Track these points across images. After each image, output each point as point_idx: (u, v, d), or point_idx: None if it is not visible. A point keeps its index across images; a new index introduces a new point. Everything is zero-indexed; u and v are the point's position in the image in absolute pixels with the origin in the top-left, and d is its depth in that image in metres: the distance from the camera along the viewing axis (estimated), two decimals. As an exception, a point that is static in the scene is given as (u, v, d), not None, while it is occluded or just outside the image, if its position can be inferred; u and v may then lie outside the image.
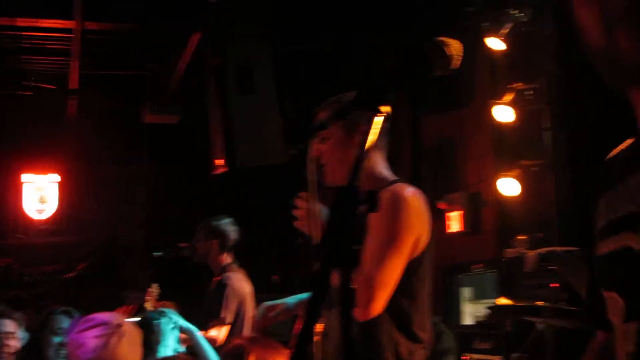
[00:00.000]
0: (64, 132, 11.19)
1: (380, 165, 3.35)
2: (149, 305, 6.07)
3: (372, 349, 3.05)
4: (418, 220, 3.07)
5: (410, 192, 3.09)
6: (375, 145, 3.22)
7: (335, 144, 3.22)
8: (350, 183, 1.42)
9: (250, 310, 6.16)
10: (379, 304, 2.91)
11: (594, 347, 1.92)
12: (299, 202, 3.13)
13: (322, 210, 3.04)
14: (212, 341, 6.01)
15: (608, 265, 1.59)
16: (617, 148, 1.76)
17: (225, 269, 6.34)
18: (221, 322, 6.03)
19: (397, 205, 3.01)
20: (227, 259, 6.43)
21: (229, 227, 6.45)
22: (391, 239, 2.98)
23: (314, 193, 1.81)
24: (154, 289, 6.21)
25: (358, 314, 2.89)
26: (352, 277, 1.35)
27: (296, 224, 3.15)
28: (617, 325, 1.58)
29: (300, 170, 3.18)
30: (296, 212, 3.15)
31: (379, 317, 3.01)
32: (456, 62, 1.75)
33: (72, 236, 11.88)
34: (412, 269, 3.06)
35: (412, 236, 3.03)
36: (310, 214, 3.03)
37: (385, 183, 3.20)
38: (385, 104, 1.60)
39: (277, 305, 3.86)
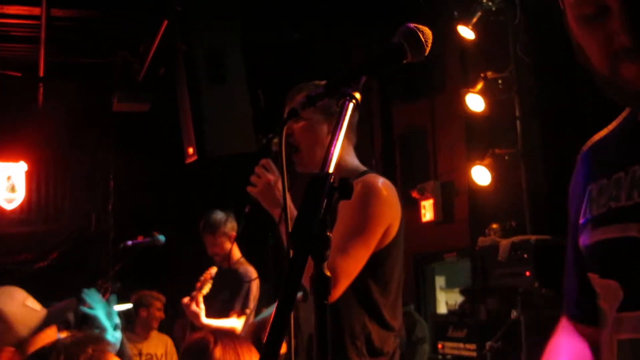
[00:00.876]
0: (31, 119, 11.07)
1: (350, 156, 3.37)
2: (206, 288, 5.99)
3: (345, 337, 3.03)
4: (389, 210, 3.09)
5: (381, 183, 3.11)
6: (346, 135, 3.29)
7: (310, 127, 3.26)
8: (324, 169, 1.39)
9: None
10: (339, 292, 2.88)
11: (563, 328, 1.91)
12: (259, 170, 3.10)
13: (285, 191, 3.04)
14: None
15: (609, 253, 1.58)
16: (597, 135, 1.77)
17: (239, 261, 6.31)
18: (242, 314, 6.08)
19: (369, 195, 3.02)
20: (236, 250, 6.40)
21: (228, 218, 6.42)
22: (360, 229, 2.97)
23: (284, 172, 1.78)
24: (213, 270, 6.11)
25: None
26: (326, 265, 1.33)
27: (250, 189, 3.12)
28: (609, 312, 1.57)
29: (272, 159, 3.18)
30: (254, 179, 3.12)
31: (351, 305, 3.00)
32: (429, 49, 1.72)
33: (43, 225, 11.80)
34: (382, 257, 3.05)
35: (382, 227, 3.04)
36: (268, 185, 3.06)
37: (356, 173, 3.21)
38: (357, 91, 1.56)
39: (267, 321, 3.81)
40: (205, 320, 5.93)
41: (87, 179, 12.02)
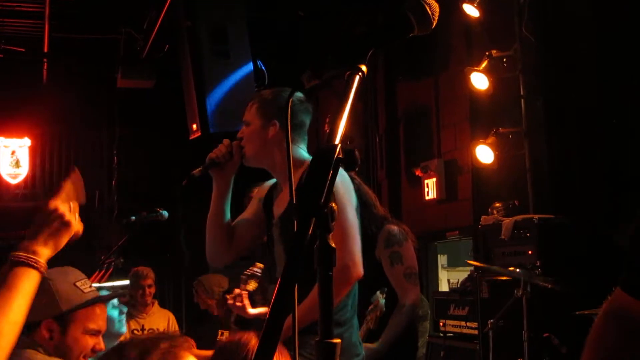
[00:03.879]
0: (36, 95, 11.07)
1: (299, 147, 3.63)
2: (252, 285, 5.85)
3: None
4: (348, 182, 3.39)
5: None
6: (296, 125, 3.61)
7: (254, 131, 3.63)
8: (329, 141, 1.39)
9: None
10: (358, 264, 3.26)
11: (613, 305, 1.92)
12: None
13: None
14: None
15: None
16: None
17: None
18: None
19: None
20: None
21: None
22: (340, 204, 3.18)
23: (290, 154, 1.78)
24: (258, 267, 5.99)
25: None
26: (331, 237, 1.33)
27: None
28: None
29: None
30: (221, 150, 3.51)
31: None
32: (435, 22, 1.71)
33: (46, 201, 11.82)
34: None
35: (353, 193, 3.40)
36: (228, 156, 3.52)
37: (308, 161, 3.40)
38: (364, 63, 1.56)
39: None
40: (252, 310, 5.74)
41: (91, 155, 12.06)
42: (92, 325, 3.00)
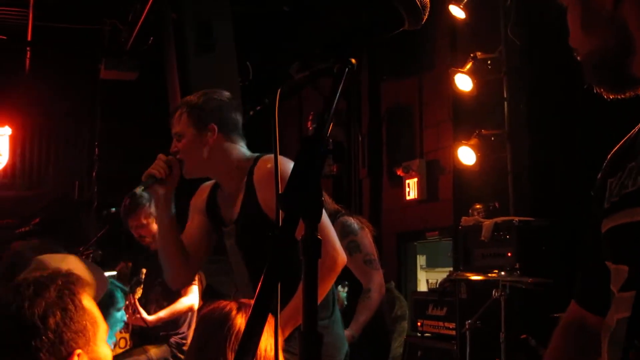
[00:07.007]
0: (18, 84, 11.01)
1: (236, 150, 3.51)
2: (138, 293, 5.87)
3: None
4: None
5: (281, 158, 3.15)
6: (233, 124, 3.46)
7: (190, 142, 3.45)
8: (317, 134, 1.37)
9: None
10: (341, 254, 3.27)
11: (567, 322, 1.94)
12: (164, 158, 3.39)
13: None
14: (189, 310, 5.88)
15: (619, 239, 1.61)
16: (619, 144, 1.82)
17: None
18: (188, 290, 5.94)
19: (286, 167, 2.98)
20: None
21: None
22: None
23: (277, 148, 1.76)
24: (142, 272, 5.97)
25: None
26: (318, 229, 1.32)
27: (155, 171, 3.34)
28: (615, 294, 1.60)
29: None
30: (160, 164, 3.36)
31: None
32: (426, 16, 1.69)
33: (26, 190, 11.78)
34: None
35: None
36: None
37: (252, 160, 3.44)
38: (353, 56, 1.54)
39: None
40: (151, 317, 5.82)
41: (72, 146, 12.00)
42: None
